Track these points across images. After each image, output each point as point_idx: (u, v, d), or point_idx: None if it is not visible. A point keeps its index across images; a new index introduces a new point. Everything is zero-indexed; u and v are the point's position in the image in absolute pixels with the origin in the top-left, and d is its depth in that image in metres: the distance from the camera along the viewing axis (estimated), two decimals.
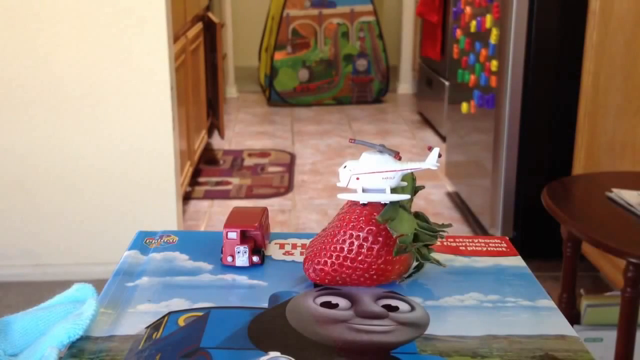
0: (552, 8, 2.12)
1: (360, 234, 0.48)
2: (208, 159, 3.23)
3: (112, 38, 2.00)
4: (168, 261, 0.54)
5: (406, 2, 4.35)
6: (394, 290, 0.50)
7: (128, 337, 0.43)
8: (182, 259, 0.54)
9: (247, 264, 0.53)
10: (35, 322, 0.44)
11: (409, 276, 0.51)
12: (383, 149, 0.48)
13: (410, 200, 0.49)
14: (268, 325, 0.45)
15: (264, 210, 0.56)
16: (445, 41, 3.29)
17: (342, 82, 4.25)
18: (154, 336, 0.43)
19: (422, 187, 0.50)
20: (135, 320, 0.45)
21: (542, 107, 2.17)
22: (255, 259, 0.53)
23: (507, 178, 2.23)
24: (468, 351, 0.42)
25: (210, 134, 3.44)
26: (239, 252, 0.53)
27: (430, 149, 0.48)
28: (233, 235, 0.52)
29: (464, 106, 2.52)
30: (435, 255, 0.51)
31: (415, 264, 0.51)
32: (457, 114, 2.68)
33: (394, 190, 0.48)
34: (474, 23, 2.42)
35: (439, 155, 0.48)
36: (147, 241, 0.57)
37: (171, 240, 0.57)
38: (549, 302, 0.49)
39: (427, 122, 3.82)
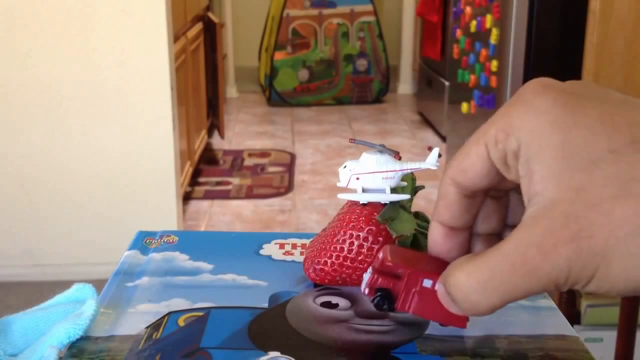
0: (552, 8, 2.12)
1: (360, 234, 0.48)
2: (208, 159, 3.23)
3: (112, 38, 2.00)
4: (168, 261, 0.54)
5: (406, 2, 4.35)
6: None
7: (128, 337, 0.43)
8: (182, 259, 0.54)
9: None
10: (35, 322, 0.44)
11: None
12: (383, 149, 0.48)
13: (410, 200, 0.49)
14: (268, 325, 0.45)
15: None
16: (446, 41, 3.29)
17: (342, 82, 4.25)
18: (154, 336, 0.43)
19: (422, 187, 0.50)
20: (135, 320, 0.45)
21: None
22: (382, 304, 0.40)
23: None
24: (468, 351, 0.42)
25: (210, 134, 3.44)
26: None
27: (430, 149, 0.48)
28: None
29: (464, 106, 2.52)
30: None
31: None
32: (457, 114, 2.68)
33: (394, 190, 0.48)
34: (474, 23, 2.42)
35: (439, 155, 0.48)
36: (147, 241, 0.57)
37: (171, 240, 0.57)
38: (549, 302, 0.49)
39: (427, 122, 3.82)
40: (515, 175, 0.33)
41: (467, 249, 0.38)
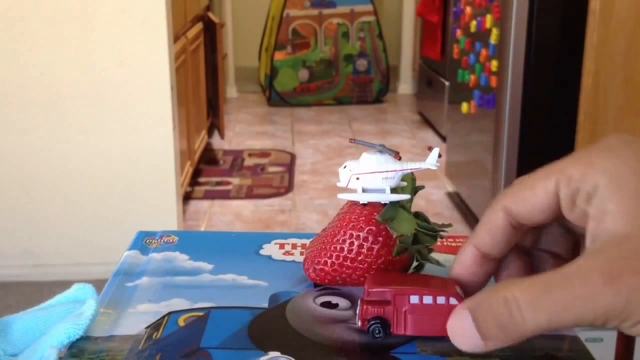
0: (552, 8, 2.12)
1: (360, 234, 0.48)
2: (208, 159, 3.23)
3: (112, 38, 2.00)
4: (168, 261, 0.54)
5: (406, 2, 4.35)
6: None
7: (128, 337, 0.43)
8: (182, 259, 0.54)
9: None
10: (35, 322, 0.44)
11: None
12: (383, 149, 0.48)
13: (410, 200, 0.49)
14: (268, 325, 0.45)
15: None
16: (445, 41, 3.29)
17: (342, 82, 4.25)
18: (154, 336, 0.43)
19: (422, 187, 0.50)
20: (135, 320, 0.45)
21: (542, 107, 2.17)
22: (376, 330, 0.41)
23: (507, 178, 2.23)
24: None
25: (210, 134, 3.44)
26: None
27: (430, 149, 0.48)
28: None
29: (464, 106, 2.52)
30: (435, 255, 0.51)
31: (415, 264, 0.51)
32: (457, 114, 2.68)
33: (394, 190, 0.48)
34: (474, 23, 2.42)
35: (439, 155, 0.48)
36: (147, 241, 0.57)
37: (171, 240, 0.57)
38: None
39: (427, 122, 3.82)
40: (577, 215, 0.34)
41: (487, 280, 0.39)
